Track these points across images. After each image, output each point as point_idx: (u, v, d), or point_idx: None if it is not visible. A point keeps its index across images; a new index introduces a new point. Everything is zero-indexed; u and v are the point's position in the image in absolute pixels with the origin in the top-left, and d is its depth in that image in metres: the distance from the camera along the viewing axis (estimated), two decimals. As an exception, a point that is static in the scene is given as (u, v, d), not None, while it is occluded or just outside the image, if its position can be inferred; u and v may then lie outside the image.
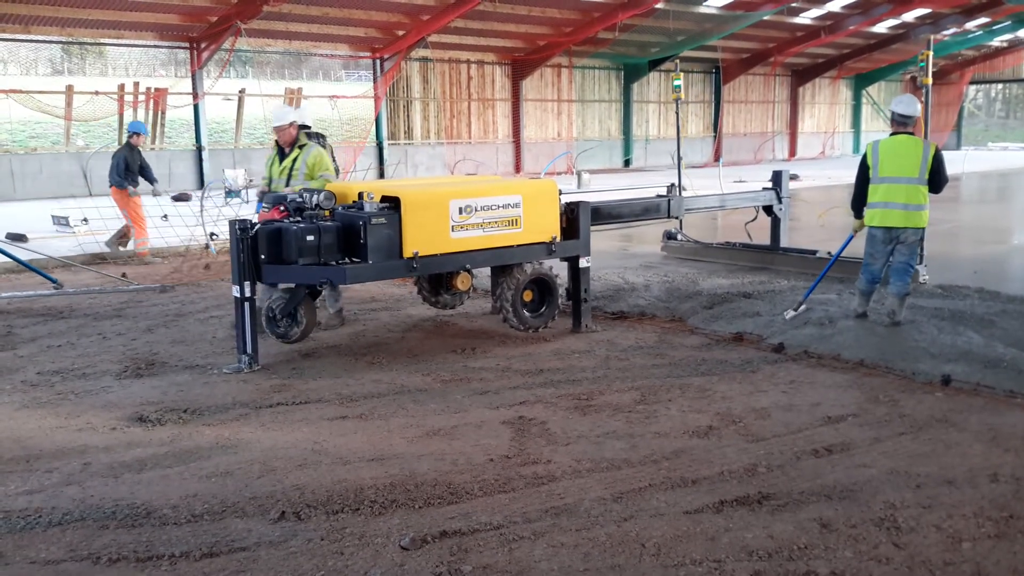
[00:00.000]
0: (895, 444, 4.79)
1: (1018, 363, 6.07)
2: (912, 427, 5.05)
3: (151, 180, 12.31)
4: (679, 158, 11.64)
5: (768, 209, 10.36)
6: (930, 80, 8.89)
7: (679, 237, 11.57)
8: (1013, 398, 5.54)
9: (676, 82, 11.55)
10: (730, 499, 4.08)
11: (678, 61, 12.56)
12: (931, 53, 8.81)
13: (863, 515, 3.91)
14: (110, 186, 12.09)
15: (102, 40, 24.12)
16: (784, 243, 10.51)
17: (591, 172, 25.22)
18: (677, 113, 11.74)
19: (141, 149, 12.54)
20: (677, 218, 9.30)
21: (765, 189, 10.38)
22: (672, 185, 9.27)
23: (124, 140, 13.24)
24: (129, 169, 11.98)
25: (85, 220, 13.60)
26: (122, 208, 12.07)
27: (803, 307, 7.60)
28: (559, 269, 7.66)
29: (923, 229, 7.15)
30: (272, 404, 5.63)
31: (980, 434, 4.92)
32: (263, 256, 6.41)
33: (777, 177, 10.31)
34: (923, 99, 8.95)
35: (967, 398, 5.58)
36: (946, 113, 43.05)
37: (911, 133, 7.16)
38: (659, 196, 9.11)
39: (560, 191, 7.51)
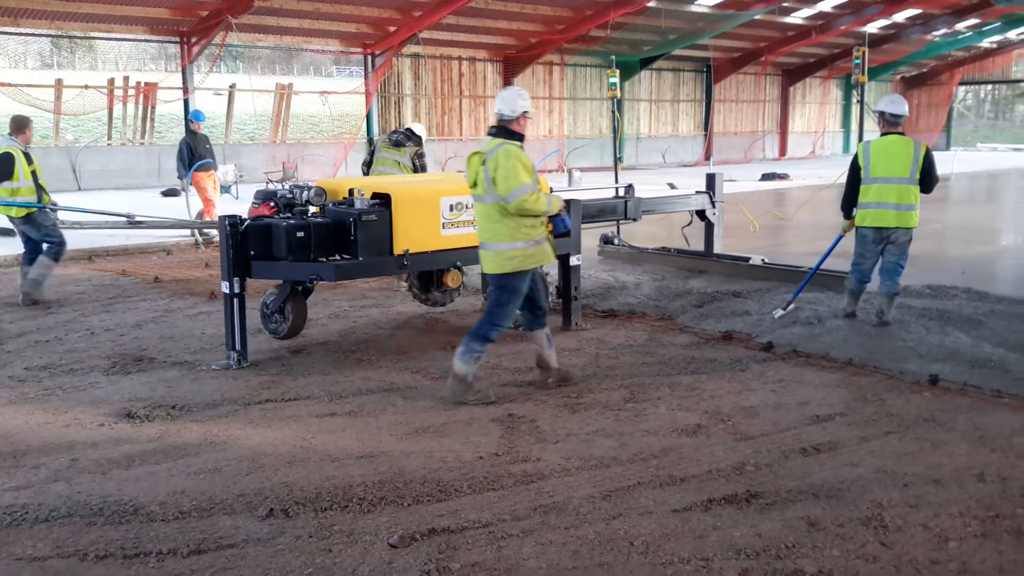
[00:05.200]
0: (883, 443, 4.81)
1: (1005, 363, 6.10)
2: (899, 426, 5.07)
3: (208, 166, 13.01)
4: (616, 159, 11.55)
5: (701, 214, 9.92)
6: (865, 78, 8.82)
7: (616, 242, 11.28)
8: (1000, 398, 5.57)
9: (612, 79, 11.44)
10: (718, 497, 4.09)
11: (614, 58, 12.39)
12: (867, 50, 8.77)
13: (850, 514, 3.92)
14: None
15: (92, 34, 24.00)
16: (718, 248, 10.12)
17: (582, 170, 25.18)
18: (614, 112, 11.65)
19: (207, 135, 13.45)
20: (635, 220, 9.05)
21: (698, 193, 9.92)
22: (630, 186, 9.14)
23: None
24: (193, 155, 12.63)
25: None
26: (199, 191, 12.84)
27: (792, 306, 7.62)
28: (549, 267, 7.66)
29: (913, 229, 7.17)
30: (261, 401, 5.62)
31: (967, 434, 4.95)
32: (252, 252, 6.39)
33: (710, 181, 9.88)
34: (858, 98, 8.97)
35: (954, 398, 5.60)
36: (936, 114, 43.23)
37: (902, 133, 7.18)
38: (616, 198, 8.96)
39: (551, 189, 7.50)
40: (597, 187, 10.98)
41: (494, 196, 5.52)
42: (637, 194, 9.08)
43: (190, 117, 13.40)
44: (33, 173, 8.84)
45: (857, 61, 8.77)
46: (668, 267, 10.43)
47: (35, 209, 8.84)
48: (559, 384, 5.89)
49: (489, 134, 5.70)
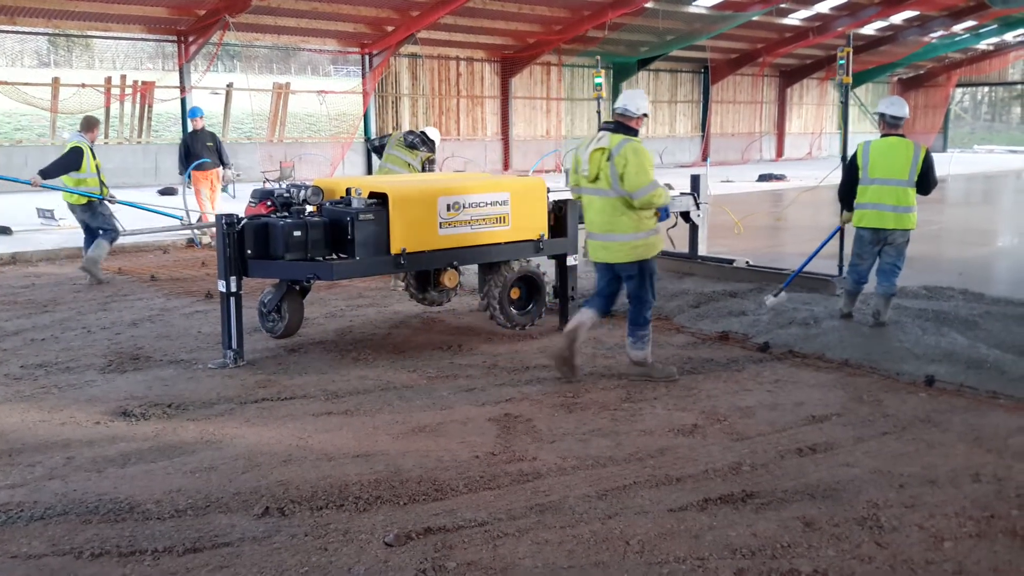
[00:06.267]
0: (878, 444, 4.82)
1: (1001, 364, 6.12)
2: (895, 427, 5.08)
3: (224, 163, 13.17)
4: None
5: (686, 216, 9.80)
6: (850, 79, 8.76)
7: None
8: (995, 399, 5.58)
9: (597, 80, 11.49)
10: (714, 497, 4.09)
11: (599, 58, 12.42)
12: (851, 50, 8.70)
13: (846, 514, 3.93)
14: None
15: (89, 32, 23.93)
16: (703, 250, 10.03)
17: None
18: (599, 112, 11.65)
19: (215, 132, 13.74)
20: None
21: (683, 194, 9.75)
22: None
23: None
24: (191, 153, 12.71)
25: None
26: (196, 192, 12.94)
27: (783, 294, 7.60)
28: (546, 267, 7.66)
29: (910, 231, 7.17)
30: (257, 400, 5.61)
31: (963, 434, 4.96)
32: (249, 251, 6.38)
33: (695, 182, 9.75)
34: (843, 99, 8.94)
35: (950, 398, 5.61)
36: (933, 115, 43.29)
37: (902, 135, 7.19)
38: None
39: (548, 189, 7.51)
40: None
41: (619, 191, 5.73)
42: None
43: (188, 115, 13.56)
44: (96, 167, 9.70)
45: (842, 62, 8.67)
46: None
47: (95, 200, 9.68)
48: (558, 367, 6.02)
49: (606, 128, 5.87)
